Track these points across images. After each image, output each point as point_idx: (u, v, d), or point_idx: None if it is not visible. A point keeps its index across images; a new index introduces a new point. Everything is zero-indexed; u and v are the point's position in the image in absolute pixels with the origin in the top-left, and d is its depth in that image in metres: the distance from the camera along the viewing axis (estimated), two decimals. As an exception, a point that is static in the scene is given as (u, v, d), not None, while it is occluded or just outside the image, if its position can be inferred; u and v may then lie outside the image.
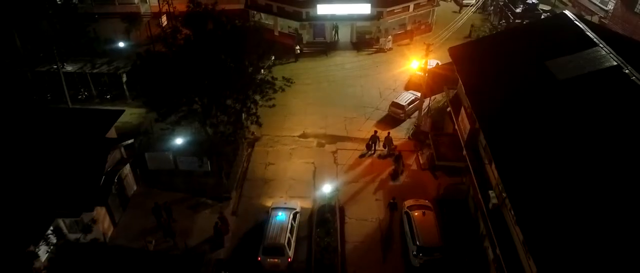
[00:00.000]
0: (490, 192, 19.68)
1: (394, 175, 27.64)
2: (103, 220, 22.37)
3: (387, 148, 29.36)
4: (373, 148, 29.46)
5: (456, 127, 25.37)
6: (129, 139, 25.59)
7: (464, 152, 23.27)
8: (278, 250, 21.28)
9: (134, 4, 49.15)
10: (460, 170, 25.74)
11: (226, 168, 26.75)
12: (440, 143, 26.19)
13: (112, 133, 25.37)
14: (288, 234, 21.80)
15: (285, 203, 24.48)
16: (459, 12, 46.37)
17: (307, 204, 25.36)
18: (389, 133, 29.74)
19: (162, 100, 22.74)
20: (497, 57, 24.47)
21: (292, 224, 22.57)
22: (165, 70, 22.27)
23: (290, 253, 21.70)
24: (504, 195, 18.26)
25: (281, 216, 22.69)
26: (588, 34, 21.83)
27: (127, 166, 25.04)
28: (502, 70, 22.94)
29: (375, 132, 29.74)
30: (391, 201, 24.61)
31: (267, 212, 23.68)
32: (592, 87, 18.97)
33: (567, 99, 19.06)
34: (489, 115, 20.63)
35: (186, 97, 23.00)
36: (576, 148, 16.81)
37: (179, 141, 25.75)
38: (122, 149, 24.92)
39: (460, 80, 25.07)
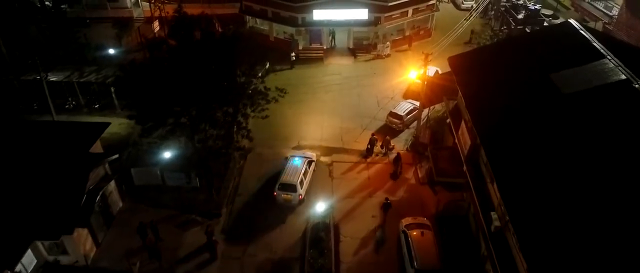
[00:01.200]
0: (492, 213, 18.58)
1: (393, 175, 27.40)
2: (85, 241, 21.24)
3: (385, 150, 29.11)
4: (371, 150, 29.06)
5: (456, 140, 24.28)
6: (115, 154, 24.38)
7: (465, 168, 22.20)
8: (291, 187, 24.46)
9: (127, 8, 48.18)
10: (461, 185, 24.65)
11: (216, 183, 25.67)
12: (440, 157, 25.13)
13: (97, 147, 24.32)
14: (301, 176, 25.00)
15: (303, 152, 27.86)
16: (469, 17, 44.38)
17: (301, 219, 24.39)
18: (387, 136, 29.79)
19: (147, 114, 21.70)
20: (498, 68, 23.40)
21: (306, 168, 25.80)
22: (150, 82, 21.23)
23: (302, 191, 24.77)
24: (507, 218, 17.17)
25: (297, 161, 26.14)
26: (595, 44, 20.82)
27: (112, 182, 23.91)
28: (503, 83, 21.90)
29: (373, 134, 29.49)
30: (385, 201, 24.23)
31: (286, 158, 26.98)
32: (599, 102, 17.97)
33: (574, 114, 18.04)
34: (490, 130, 19.60)
35: (172, 110, 21.92)
36: (584, 168, 15.76)
37: (166, 155, 24.64)
38: (107, 165, 23.77)
39: (460, 93, 24.00)
